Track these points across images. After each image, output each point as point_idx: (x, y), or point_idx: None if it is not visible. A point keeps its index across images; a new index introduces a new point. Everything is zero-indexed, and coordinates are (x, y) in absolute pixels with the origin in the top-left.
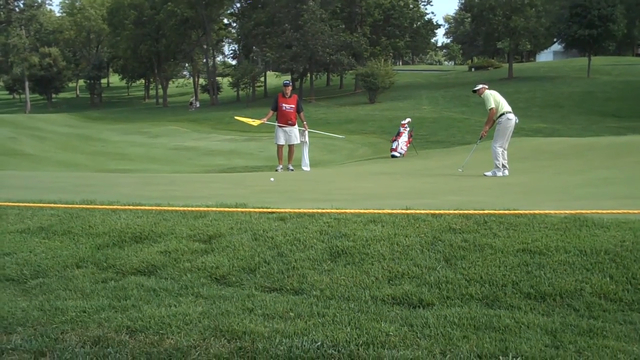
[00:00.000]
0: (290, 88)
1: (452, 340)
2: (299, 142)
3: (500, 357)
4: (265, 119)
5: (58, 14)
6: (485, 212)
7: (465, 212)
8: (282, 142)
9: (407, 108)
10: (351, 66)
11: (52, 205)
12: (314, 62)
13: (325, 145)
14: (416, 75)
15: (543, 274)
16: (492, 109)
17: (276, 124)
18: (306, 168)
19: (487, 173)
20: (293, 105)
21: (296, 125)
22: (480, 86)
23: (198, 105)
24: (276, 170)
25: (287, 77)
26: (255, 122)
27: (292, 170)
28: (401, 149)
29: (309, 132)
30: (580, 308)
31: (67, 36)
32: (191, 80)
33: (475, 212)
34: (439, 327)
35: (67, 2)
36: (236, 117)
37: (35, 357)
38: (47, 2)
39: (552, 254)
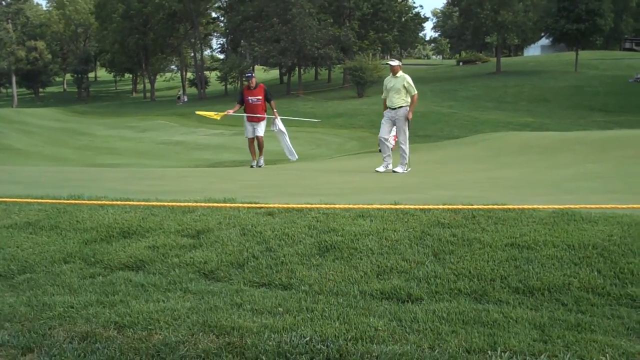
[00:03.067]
0: (254, 79)
1: (441, 335)
2: (262, 134)
3: (489, 352)
4: (230, 111)
5: (45, 8)
6: (474, 206)
7: (454, 206)
8: (251, 135)
9: None
10: (339, 60)
11: (39, 200)
12: (302, 56)
13: (313, 140)
14: (404, 69)
15: (531, 268)
16: (416, 94)
17: (244, 114)
18: (292, 157)
19: (398, 169)
20: (260, 97)
21: (265, 119)
22: (397, 62)
23: (186, 100)
24: (251, 167)
25: (275, 72)
26: (217, 116)
27: (261, 166)
28: (389, 143)
29: (281, 119)
30: (568, 302)
31: (54, 30)
32: (179, 74)
33: (464, 206)
34: (427, 322)
35: None
36: (197, 112)
37: (23, 352)
38: None
39: (540, 248)
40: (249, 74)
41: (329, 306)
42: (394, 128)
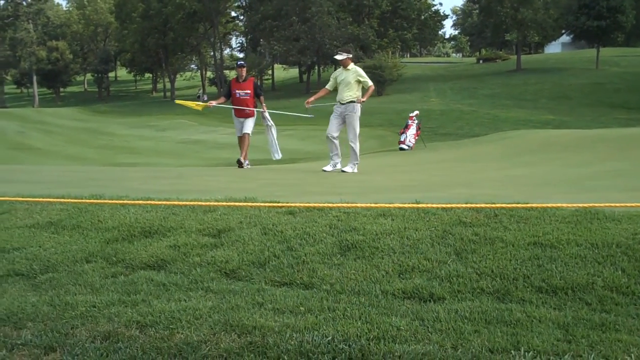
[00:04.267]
0: (244, 70)
1: (464, 334)
2: (249, 131)
3: (512, 352)
4: (213, 102)
5: (65, 8)
6: (496, 205)
7: (476, 205)
8: (240, 133)
9: (414, 100)
10: (358, 59)
11: (61, 199)
12: (322, 54)
13: None
14: (424, 67)
15: (554, 267)
16: (372, 85)
17: (232, 107)
18: (276, 155)
19: (347, 169)
20: (249, 91)
21: (255, 116)
22: (346, 55)
23: (206, 99)
24: (240, 166)
25: (295, 71)
26: (199, 106)
27: (247, 166)
28: (409, 141)
29: (270, 112)
30: (592, 302)
31: (74, 30)
32: (199, 73)
33: (486, 205)
34: (450, 322)
35: None
36: (177, 101)
37: (46, 352)
38: None
39: (563, 247)
40: (240, 62)
41: (350, 305)
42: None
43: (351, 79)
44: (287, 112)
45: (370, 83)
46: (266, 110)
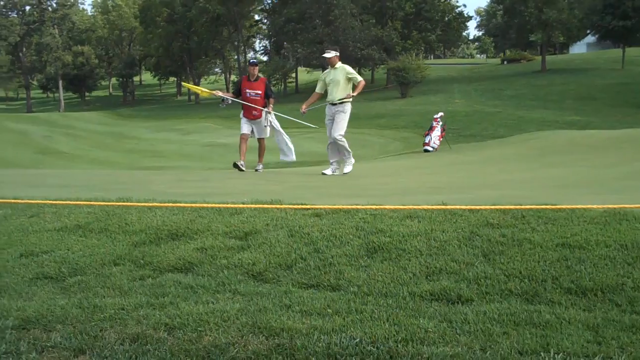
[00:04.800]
0: (256, 69)
1: (492, 336)
2: (266, 135)
3: (542, 353)
4: (219, 92)
5: (90, 13)
6: (523, 206)
7: (503, 206)
8: (245, 130)
9: (439, 102)
10: (382, 61)
11: (88, 202)
12: (345, 57)
13: (357, 140)
14: (448, 69)
15: (583, 268)
16: (362, 81)
17: (241, 102)
18: (290, 157)
19: (347, 169)
20: (260, 92)
21: (264, 118)
22: (334, 53)
23: (230, 102)
24: (234, 166)
25: (318, 73)
26: (204, 92)
27: (259, 170)
28: (434, 143)
29: (276, 115)
30: (622, 303)
31: (99, 34)
32: (223, 76)
33: (513, 206)
34: (478, 323)
35: (99, 1)
36: (184, 84)
37: (75, 354)
38: (79, 1)
39: (592, 248)
40: (253, 61)
41: (378, 307)
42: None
43: (340, 78)
44: (300, 117)
45: (360, 78)
46: (272, 112)
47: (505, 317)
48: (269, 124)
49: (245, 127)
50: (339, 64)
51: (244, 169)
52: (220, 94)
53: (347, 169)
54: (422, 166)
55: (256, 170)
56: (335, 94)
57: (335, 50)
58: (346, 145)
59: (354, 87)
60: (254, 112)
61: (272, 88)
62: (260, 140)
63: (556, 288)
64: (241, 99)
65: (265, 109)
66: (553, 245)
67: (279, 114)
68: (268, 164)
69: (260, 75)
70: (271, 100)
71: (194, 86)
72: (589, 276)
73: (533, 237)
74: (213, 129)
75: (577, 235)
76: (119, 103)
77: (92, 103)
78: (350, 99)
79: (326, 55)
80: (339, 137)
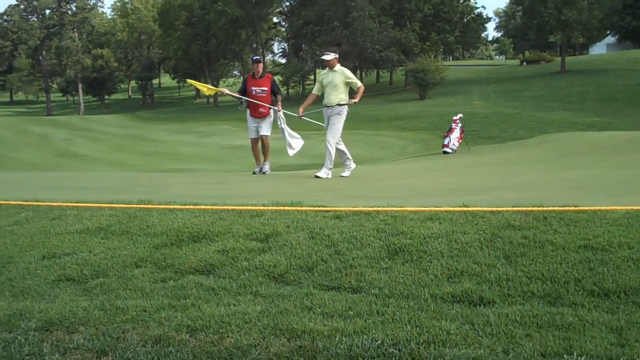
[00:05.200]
0: (261, 65)
1: (515, 338)
2: (268, 133)
3: (565, 356)
4: (226, 90)
5: (109, 16)
6: (545, 208)
7: (524, 208)
8: (253, 135)
9: (458, 104)
10: (401, 62)
11: (110, 205)
12: (364, 59)
13: (375, 142)
14: (467, 70)
15: (606, 270)
16: (361, 86)
17: (244, 99)
18: (297, 146)
19: (320, 174)
20: (266, 89)
21: (271, 115)
22: (333, 55)
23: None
24: (253, 173)
25: None
26: (209, 90)
27: (267, 172)
28: (453, 145)
29: (284, 112)
30: None
31: (119, 38)
32: (241, 79)
33: (535, 208)
34: (500, 326)
35: (118, 4)
36: (189, 81)
37: (98, 356)
38: (98, 4)
39: (615, 250)
40: (256, 58)
41: (399, 309)
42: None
43: (338, 81)
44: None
45: (359, 84)
46: (281, 110)
47: (528, 319)
48: (283, 123)
49: (253, 131)
50: (338, 67)
51: (266, 170)
52: (226, 91)
53: (322, 173)
54: (441, 168)
55: (262, 171)
56: (332, 97)
57: (335, 52)
58: (332, 152)
59: (352, 92)
60: (261, 110)
61: (279, 86)
62: (263, 137)
63: (579, 290)
64: (247, 97)
65: (275, 108)
66: (575, 247)
67: (286, 111)
68: (287, 166)
69: (265, 71)
70: (279, 97)
71: (199, 83)
72: (611, 278)
73: (555, 239)
74: (231, 131)
75: (600, 237)
76: (138, 106)
77: (111, 106)
78: (347, 104)
79: (325, 57)
80: (331, 142)
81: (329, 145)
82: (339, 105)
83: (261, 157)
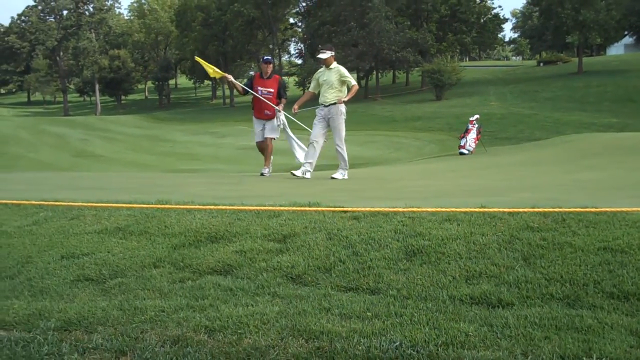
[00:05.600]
0: (271, 67)
1: (534, 340)
2: (277, 135)
3: (584, 358)
4: (230, 77)
5: (126, 17)
6: (564, 209)
7: (543, 209)
8: (260, 137)
9: (474, 104)
10: (417, 63)
11: (128, 205)
12: (380, 59)
13: (391, 143)
14: (483, 71)
15: (626, 272)
16: (355, 85)
17: (253, 93)
18: (301, 158)
19: (337, 175)
20: (272, 90)
21: (276, 117)
22: (330, 53)
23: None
24: (261, 174)
25: (354, 76)
26: (216, 73)
27: (266, 174)
28: (469, 145)
29: (285, 115)
30: None
31: (135, 39)
32: None
33: (553, 209)
34: (519, 328)
35: (135, 5)
36: (196, 58)
37: (116, 356)
38: (115, 5)
39: (634, 252)
40: (267, 58)
41: (417, 311)
42: (324, 132)
43: (334, 79)
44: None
45: (354, 82)
46: (282, 112)
47: (547, 321)
48: (281, 123)
49: (259, 134)
50: (334, 65)
51: (265, 172)
52: (231, 78)
53: (338, 175)
54: (458, 169)
55: (262, 174)
56: (328, 95)
57: (331, 50)
58: (345, 154)
59: (348, 90)
60: (266, 112)
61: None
62: (268, 140)
63: (598, 292)
64: (252, 99)
65: (277, 107)
66: (594, 249)
67: (287, 114)
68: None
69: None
70: (283, 100)
71: (207, 64)
72: (631, 280)
73: (574, 241)
74: (247, 132)
75: (619, 239)
76: (154, 106)
77: (128, 106)
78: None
79: (321, 56)
80: (340, 145)
81: (338, 148)
82: (335, 104)
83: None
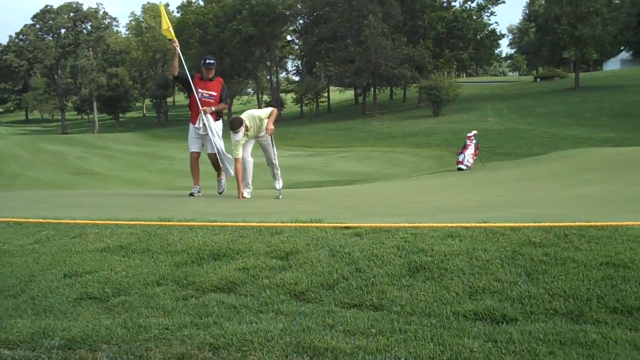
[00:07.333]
0: (212, 72)
1: (538, 356)
2: (220, 148)
3: None
4: (176, 45)
5: (124, 35)
6: (566, 224)
7: (545, 224)
8: (195, 148)
9: (471, 120)
10: (414, 79)
11: (130, 222)
12: (377, 76)
13: (389, 159)
14: (480, 87)
15: (629, 287)
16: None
17: (197, 87)
18: (229, 172)
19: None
20: (214, 93)
21: (214, 124)
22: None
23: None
24: (191, 194)
25: (351, 92)
26: (167, 32)
27: (222, 183)
28: (468, 161)
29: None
30: None
31: (133, 56)
32: (255, 97)
33: (555, 224)
34: (523, 343)
35: (133, 23)
36: (160, 5)
37: None
38: (113, 23)
39: (637, 267)
40: (210, 60)
41: (422, 327)
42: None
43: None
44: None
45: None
46: (209, 115)
47: (551, 336)
48: (201, 125)
49: (195, 142)
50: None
51: (222, 189)
52: (177, 47)
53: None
54: (457, 184)
55: (219, 180)
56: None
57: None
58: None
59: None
60: (208, 105)
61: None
62: (210, 155)
63: (601, 307)
64: (190, 103)
65: (202, 108)
66: (597, 264)
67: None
68: (302, 183)
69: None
70: (222, 106)
71: (167, 19)
72: (634, 295)
73: (576, 256)
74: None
75: (622, 254)
76: (152, 124)
77: (126, 124)
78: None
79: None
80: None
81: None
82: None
83: (212, 174)
